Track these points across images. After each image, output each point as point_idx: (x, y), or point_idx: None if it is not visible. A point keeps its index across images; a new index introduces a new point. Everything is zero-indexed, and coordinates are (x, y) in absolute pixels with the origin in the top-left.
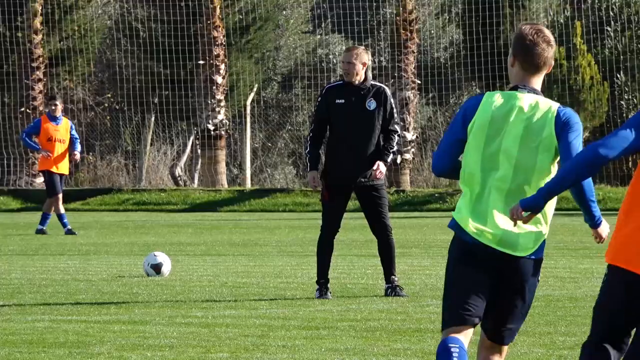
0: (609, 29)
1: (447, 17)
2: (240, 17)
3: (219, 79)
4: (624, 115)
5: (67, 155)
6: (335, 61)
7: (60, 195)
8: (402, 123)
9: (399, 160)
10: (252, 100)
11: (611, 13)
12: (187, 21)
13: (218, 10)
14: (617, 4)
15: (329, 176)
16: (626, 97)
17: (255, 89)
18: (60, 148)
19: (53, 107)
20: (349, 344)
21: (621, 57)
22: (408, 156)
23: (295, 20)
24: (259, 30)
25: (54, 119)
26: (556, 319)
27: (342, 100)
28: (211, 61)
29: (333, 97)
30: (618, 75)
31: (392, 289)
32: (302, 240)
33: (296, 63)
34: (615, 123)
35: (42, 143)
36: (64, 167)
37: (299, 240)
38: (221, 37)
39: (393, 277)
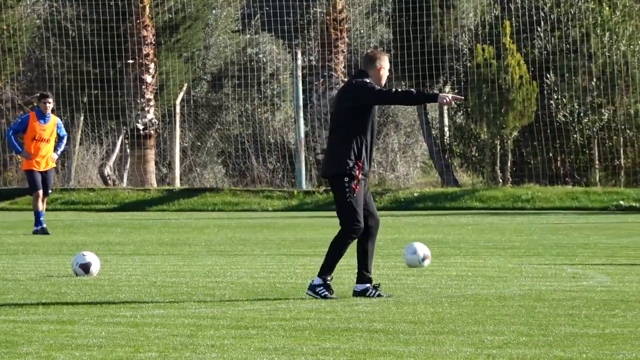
0: (538, 28)
1: (377, 17)
2: (170, 16)
3: (148, 78)
4: (553, 114)
5: (50, 153)
6: (264, 60)
7: (41, 192)
8: None
9: None
10: (182, 100)
11: (541, 13)
12: (117, 20)
13: (147, 10)
14: (547, 4)
15: (359, 165)
16: (555, 96)
17: (184, 88)
18: (45, 148)
19: (47, 105)
20: (278, 343)
21: (550, 57)
22: None
23: (224, 19)
24: (189, 29)
25: (42, 117)
26: (485, 318)
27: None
28: (140, 60)
29: None
30: (547, 75)
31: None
32: (231, 239)
33: (226, 62)
34: (545, 123)
35: (27, 141)
36: (47, 163)
37: (228, 239)
38: (151, 36)
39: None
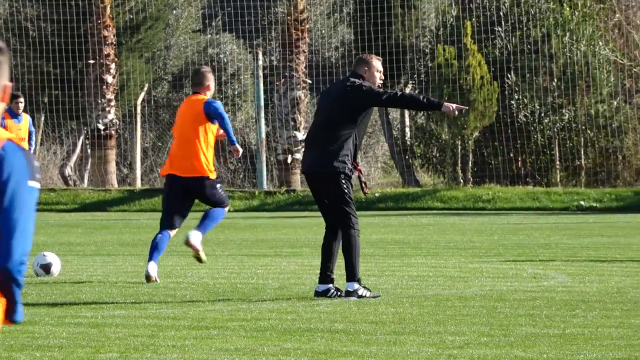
0: (499, 29)
1: (338, 17)
2: (131, 16)
3: (109, 79)
4: (514, 115)
5: None
6: (225, 60)
7: None
8: (293, 123)
9: (289, 160)
10: (143, 100)
11: (501, 13)
12: (77, 20)
13: (108, 10)
14: (506, 4)
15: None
16: (516, 96)
17: (145, 89)
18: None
19: (18, 105)
20: (239, 343)
21: (511, 57)
22: (299, 156)
23: (185, 19)
24: (150, 29)
25: (15, 116)
26: (446, 318)
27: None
28: (101, 60)
29: None
30: (508, 75)
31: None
32: None
33: (187, 62)
34: (505, 123)
35: None
36: None
37: None
38: (111, 37)
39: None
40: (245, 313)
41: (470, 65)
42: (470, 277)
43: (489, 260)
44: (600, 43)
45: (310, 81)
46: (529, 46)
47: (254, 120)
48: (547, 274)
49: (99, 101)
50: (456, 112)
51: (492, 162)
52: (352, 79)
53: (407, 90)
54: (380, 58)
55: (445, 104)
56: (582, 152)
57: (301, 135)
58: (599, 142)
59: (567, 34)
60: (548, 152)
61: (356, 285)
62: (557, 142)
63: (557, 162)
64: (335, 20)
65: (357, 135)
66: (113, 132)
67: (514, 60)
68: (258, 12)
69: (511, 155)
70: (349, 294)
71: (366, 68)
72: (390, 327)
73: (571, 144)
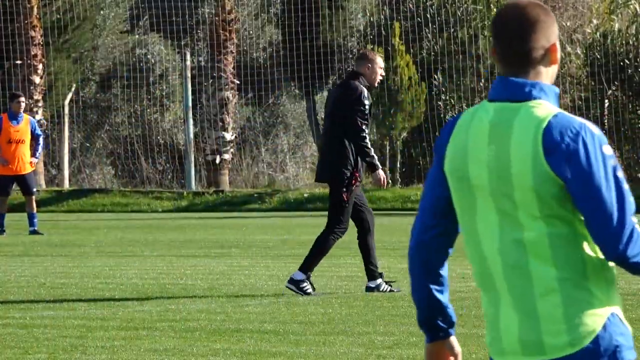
0: (426, 30)
1: (266, 17)
2: (58, 16)
3: (36, 79)
4: (442, 115)
5: (26, 154)
6: (153, 61)
7: (33, 196)
8: (221, 123)
9: (218, 161)
10: (70, 100)
11: (428, 15)
12: (4, 20)
13: (35, 10)
14: (434, 6)
15: (357, 175)
16: (444, 97)
17: (73, 89)
18: (21, 149)
19: (19, 105)
20: (168, 344)
21: (439, 58)
22: (227, 156)
23: (113, 20)
24: (77, 29)
25: (14, 117)
26: (375, 319)
27: (370, 103)
28: (29, 61)
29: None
30: (436, 76)
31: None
32: (120, 240)
33: (114, 63)
34: (434, 123)
35: (2, 145)
36: (23, 167)
37: (117, 240)
38: (39, 37)
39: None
40: (174, 313)
41: (399, 66)
42: (399, 277)
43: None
44: None
45: (238, 82)
46: (456, 47)
47: (182, 120)
48: None
49: (27, 102)
50: (383, 186)
51: (421, 162)
52: (350, 83)
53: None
54: (382, 55)
55: (380, 171)
56: None
57: (229, 135)
58: None
59: None
60: None
61: (303, 276)
62: None
63: None
64: (263, 21)
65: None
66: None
67: (442, 61)
68: (186, 13)
69: None
70: (294, 281)
71: (369, 65)
72: (319, 327)
73: None
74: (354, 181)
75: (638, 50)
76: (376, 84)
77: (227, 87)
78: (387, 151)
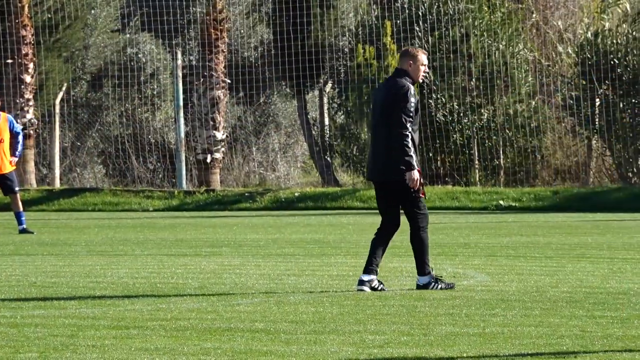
0: (417, 28)
1: (257, 16)
2: (49, 15)
3: (27, 78)
4: (433, 114)
5: (6, 152)
6: (144, 60)
7: (16, 194)
8: (212, 122)
9: (209, 160)
10: (61, 100)
11: (420, 13)
12: None
13: (26, 9)
14: (425, 4)
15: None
16: (435, 96)
17: (64, 88)
18: (0, 148)
19: None
20: (159, 343)
21: (430, 56)
22: (218, 155)
23: (104, 19)
24: (68, 28)
25: None
26: (366, 318)
27: (416, 100)
28: (19, 60)
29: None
30: (427, 75)
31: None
32: (111, 239)
33: (105, 62)
34: (424, 122)
35: None
36: (3, 166)
37: (108, 239)
38: (30, 36)
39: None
40: (165, 312)
41: (390, 65)
42: (390, 276)
43: (408, 259)
44: (521, 46)
45: (229, 81)
46: (447, 46)
47: (173, 120)
48: (466, 273)
49: (18, 101)
50: (416, 186)
51: None
52: (397, 80)
53: (327, 89)
54: (425, 52)
55: (414, 172)
56: (501, 152)
57: (220, 134)
58: (517, 141)
59: (486, 34)
60: (467, 151)
61: (427, 279)
62: (475, 142)
63: (476, 162)
64: (254, 20)
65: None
66: (32, 132)
67: (433, 59)
68: (177, 12)
69: (430, 154)
70: (422, 287)
71: (411, 62)
72: (310, 326)
73: (490, 144)
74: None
75: (628, 49)
76: (420, 80)
77: (218, 86)
78: None
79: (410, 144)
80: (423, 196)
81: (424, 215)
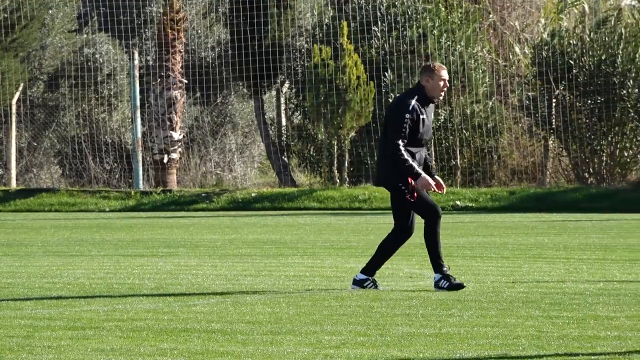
0: (375, 29)
1: (215, 17)
2: (6, 15)
3: None
4: None
5: None
6: (101, 60)
7: None
8: (169, 122)
9: (165, 160)
10: (18, 100)
11: (378, 13)
12: None
13: None
14: (383, 5)
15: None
16: (393, 96)
17: (20, 88)
18: None
19: None
20: (115, 344)
21: (388, 57)
22: (175, 156)
23: (61, 19)
24: (25, 28)
25: None
26: (322, 318)
27: (415, 116)
28: None
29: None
30: (385, 75)
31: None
32: (68, 240)
33: (62, 62)
34: (382, 123)
35: None
36: None
37: (64, 240)
38: None
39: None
40: (121, 313)
41: (347, 65)
42: (347, 276)
43: (365, 260)
44: (478, 47)
45: (186, 81)
46: (405, 46)
47: (130, 120)
48: (423, 273)
49: None
50: (433, 189)
51: (369, 162)
52: (404, 95)
53: (284, 89)
54: (445, 67)
55: (421, 178)
56: (458, 152)
57: (177, 135)
58: (474, 142)
59: (443, 34)
60: None
61: (439, 276)
62: (432, 142)
63: (433, 162)
64: (211, 20)
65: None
66: None
67: (391, 60)
68: (134, 12)
69: None
70: (435, 284)
71: (428, 78)
72: (267, 327)
73: (447, 144)
74: (410, 179)
75: (584, 50)
76: (440, 96)
77: (175, 86)
78: (335, 150)
79: (404, 155)
80: (411, 200)
81: (426, 211)
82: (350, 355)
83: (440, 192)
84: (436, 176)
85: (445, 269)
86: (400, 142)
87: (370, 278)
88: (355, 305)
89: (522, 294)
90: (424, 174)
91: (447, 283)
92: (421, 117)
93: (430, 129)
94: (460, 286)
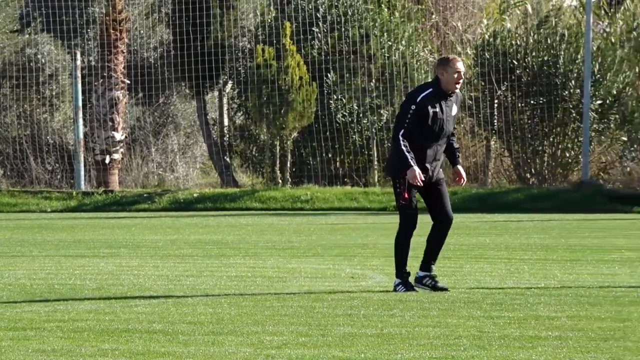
0: (316, 29)
1: (157, 17)
2: None
3: None
4: (333, 115)
5: None
6: (43, 60)
7: None
8: (111, 123)
9: (107, 161)
10: None
11: (319, 14)
12: None
13: None
14: (324, 5)
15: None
16: (335, 97)
17: None
18: None
19: None
20: (56, 344)
21: (330, 57)
22: (117, 156)
23: (3, 19)
24: None
25: None
26: (264, 319)
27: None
28: None
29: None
30: (327, 76)
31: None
32: (9, 240)
33: (4, 62)
34: (324, 123)
35: None
36: None
37: (5, 240)
38: None
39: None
40: (62, 314)
41: (289, 65)
42: (288, 277)
43: (307, 260)
44: (420, 46)
45: (128, 81)
46: (347, 47)
47: (72, 120)
48: (365, 273)
49: None
50: (416, 183)
51: (311, 162)
52: (416, 88)
53: (227, 89)
54: (460, 59)
55: (409, 170)
56: None
57: (119, 135)
58: None
59: (386, 34)
60: (366, 152)
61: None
62: (375, 143)
63: (375, 163)
64: (153, 21)
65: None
66: None
67: (333, 60)
68: (76, 12)
69: (329, 155)
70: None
71: (443, 71)
72: (208, 327)
73: (389, 145)
74: (402, 179)
75: (527, 51)
76: (455, 88)
77: (117, 86)
78: (278, 151)
79: (403, 148)
80: (403, 201)
81: (405, 216)
82: (291, 356)
83: (459, 184)
84: (458, 167)
85: (405, 273)
86: (400, 133)
87: (429, 274)
88: (297, 305)
89: (463, 294)
90: (415, 168)
91: (404, 288)
92: (431, 110)
93: (450, 123)
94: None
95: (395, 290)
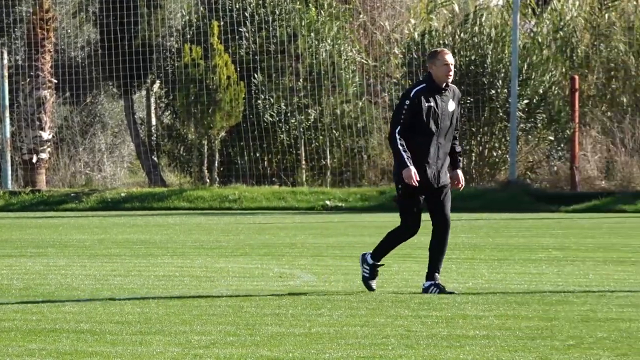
0: (244, 29)
1: (84, 16)
2: None
3: None
4: (260, 114)
5: None
6: None
7: None
8: (38, 122)
9: (35, 160)
10: None
11: (246, 14)
12: None
13: None
14: (252, 4)
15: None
16: (263, 96)
17: None
18: None
19: None
20: None
21: (257, 57)
22: (44, 156)
23: None
24: None
25: None
26: (192, 318)
27: (415, 104)
28: None
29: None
30: (255, 76)
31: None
32: None
33: None
34: (252, 123)
35: None
36: None
37: None
38: None
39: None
40: None
41: (217, 65)
42: (216, 276)
43: (235, 259)
44: (347, 45)
45: (55, 81)
46: (275, 46)
47: None
48: (293, 273)
49: None
50: (411, 183)
51: (239, 161)
52: (416, 83)
53: (155, 88)
54: (447, 51)
55: (405, 170)
56: (328, 152)
57: (47, 134)
58: (344, 142)
59: (313, 34)
60: (294, 151)
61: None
62: (303, 142)
63: (303, 162)
64: (81, 20)
65: (418, 138)
66: None
67: (261, 60)
68: (3, 11)
69: (257, 155)
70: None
71: (432, 64)
72: (136, 327)
73: (317, 144)
74: (402, 183)
75: (454, 50)
76: (447, 81)
77: (44, 86)
78: (205, 150)
79: (398, 147)
80: (395, 201)
81: (404, 224)
82: (219, 355)
83: (457, 188)
84: (458, 171)
85: (377, 264)
86: (396, 130)
87: (434, 282)
88: (225, 305)
89: (391, 293)
90: (411, 167)
91: (368, 274)
92: (425, 104)
93: (446, 118)
94: (372, 289)
95: (361, 269)
